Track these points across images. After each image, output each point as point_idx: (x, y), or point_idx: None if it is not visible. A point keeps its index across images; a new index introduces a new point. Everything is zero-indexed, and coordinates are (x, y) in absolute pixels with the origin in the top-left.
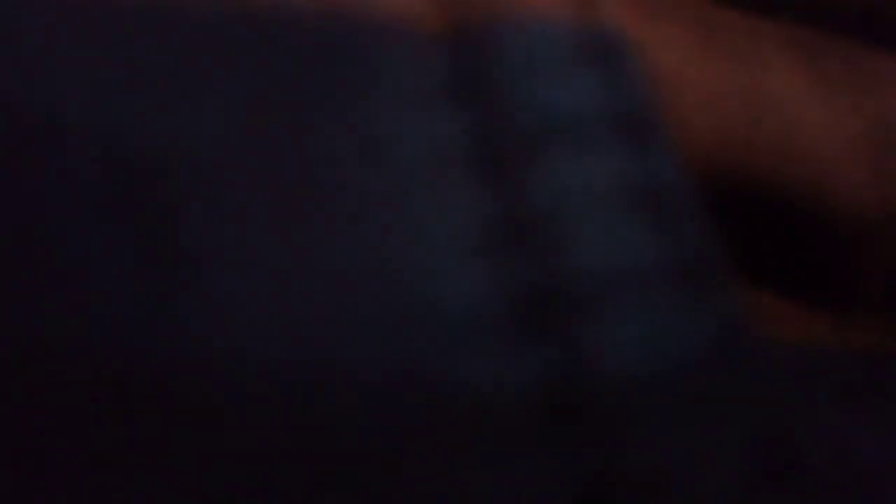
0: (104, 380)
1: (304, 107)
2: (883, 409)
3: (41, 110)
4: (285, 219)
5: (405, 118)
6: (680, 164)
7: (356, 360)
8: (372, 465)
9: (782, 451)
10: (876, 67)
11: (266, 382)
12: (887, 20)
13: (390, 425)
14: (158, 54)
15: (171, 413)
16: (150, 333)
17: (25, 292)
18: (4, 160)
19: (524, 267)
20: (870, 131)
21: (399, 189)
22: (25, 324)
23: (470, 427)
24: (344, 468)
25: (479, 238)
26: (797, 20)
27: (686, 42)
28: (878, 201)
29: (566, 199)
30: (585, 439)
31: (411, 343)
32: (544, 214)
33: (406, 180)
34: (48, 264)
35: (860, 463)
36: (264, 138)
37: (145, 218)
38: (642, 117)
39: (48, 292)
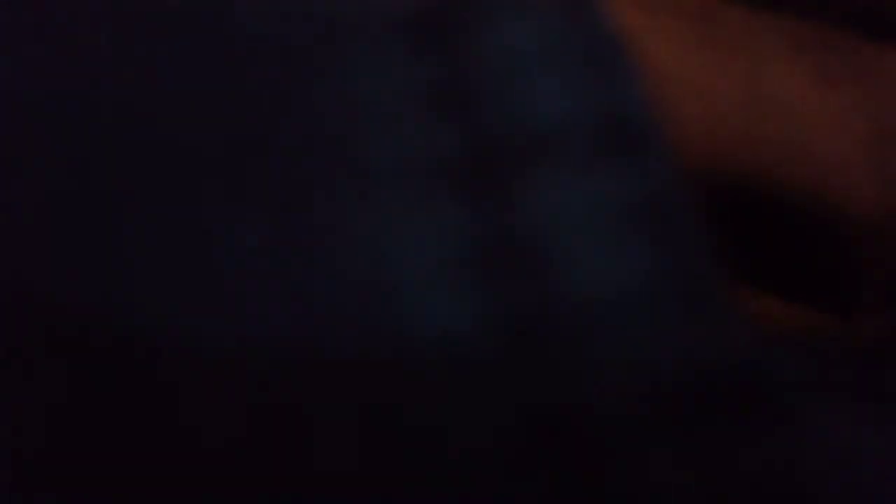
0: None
1: (279, 118)
2: (884, 411)
3: None
4: (264, 229)
5: (383, 129)
6: (676, 173)
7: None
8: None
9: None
10: (878, 63)
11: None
12: (889, 14)
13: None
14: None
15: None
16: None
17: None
18: None
19: (510, 291)
20: (872, 129)
21: (374, 199)
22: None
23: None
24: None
25: (461, 258)
26: (798, 14)
27: (684, 36)
28: (879, 200)
29: (554, 219)
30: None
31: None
32: (531, 235)
33: (382, 191)
34: None
35: (861, 466)
36: (240, 158)
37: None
38: (635, 127)
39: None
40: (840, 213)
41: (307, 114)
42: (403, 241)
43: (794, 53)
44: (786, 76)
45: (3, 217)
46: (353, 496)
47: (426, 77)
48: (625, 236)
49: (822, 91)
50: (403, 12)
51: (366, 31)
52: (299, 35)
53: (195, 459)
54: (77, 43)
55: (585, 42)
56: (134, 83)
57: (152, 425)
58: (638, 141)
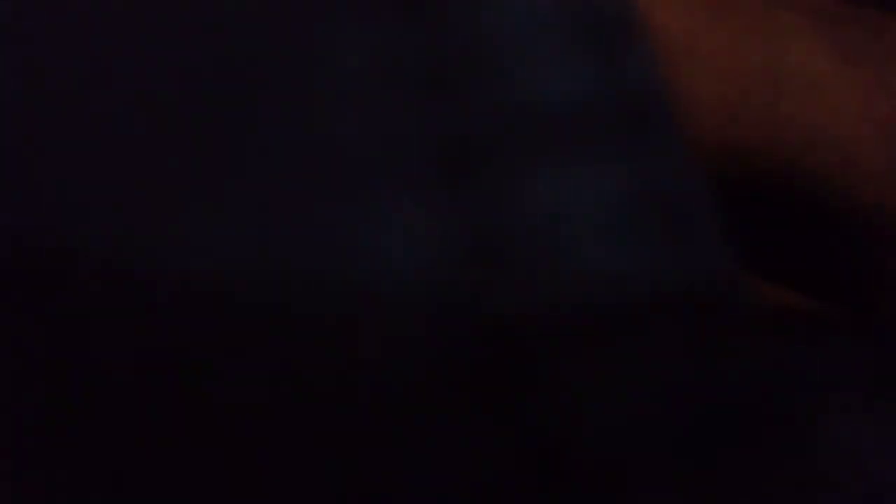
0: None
1: (268, 110)
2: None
3: None
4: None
5: (372, 108)
6: (688, 157)
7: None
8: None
9: None
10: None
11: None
12: None
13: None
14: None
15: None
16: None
17: None
18: None
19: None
20: (893, 110)
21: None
22: None
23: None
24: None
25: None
26: None
27: (701, 12)
28: None
29: (559, 211)
30: None
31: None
32: (527, 226)
33: (371, 179)
34: None
35: (872, 466)
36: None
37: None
38: (646, 105)
39: None
40: (863, 198)
41: (285, 101)
42: (390, 229)
43: (815, 30)
44: (806, 54)
45: None
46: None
47: (412, 53)
48: (633, 227)
49: (843, 70)
50: None
51: (349, 8)
52: (285, 10)
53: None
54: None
55: (590, 18)
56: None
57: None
58: (649, 120)
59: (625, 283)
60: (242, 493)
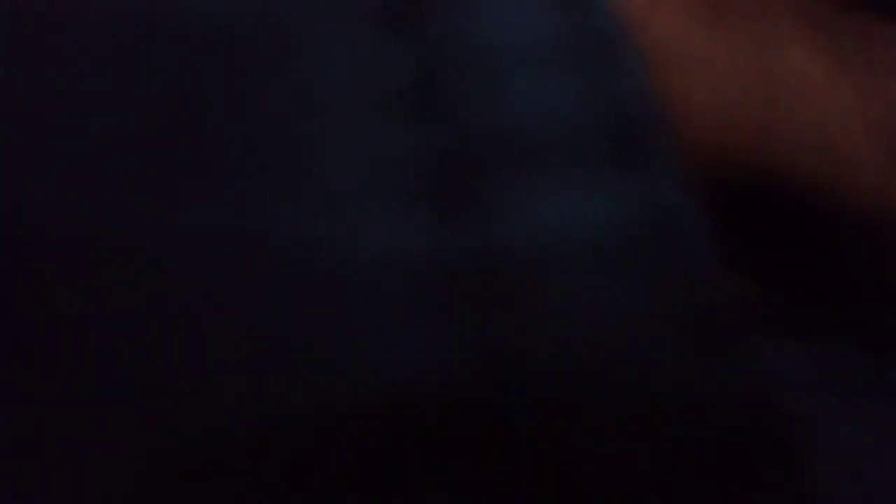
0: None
1: (239, 114)
2: (891, 413)
3: None
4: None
5: (350, 130)
6: (681, 180)
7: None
8: None
9: None
10: (891, 44)
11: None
12: None
13: None
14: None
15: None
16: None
17: None
18: None
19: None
20: (889, 116)
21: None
22: None
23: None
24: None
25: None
26: None
27: (693, 18)
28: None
29: (541, 234)
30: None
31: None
32: (511, 248)
33: (350, 202)
34: None
35: (864, 467)
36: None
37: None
38: (637, 128)
39: None
40: (856, 203)
41: (268, 118)
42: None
43: (808, 35)
44: (799, 60)
45: None
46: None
47: (394, 72)
48: (625, 250)
49: (838, 76)
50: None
51: (334, 21)
52: (258, 30)
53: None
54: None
55: (580, 35)
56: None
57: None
58: (640, 141)
59: (621, 310)
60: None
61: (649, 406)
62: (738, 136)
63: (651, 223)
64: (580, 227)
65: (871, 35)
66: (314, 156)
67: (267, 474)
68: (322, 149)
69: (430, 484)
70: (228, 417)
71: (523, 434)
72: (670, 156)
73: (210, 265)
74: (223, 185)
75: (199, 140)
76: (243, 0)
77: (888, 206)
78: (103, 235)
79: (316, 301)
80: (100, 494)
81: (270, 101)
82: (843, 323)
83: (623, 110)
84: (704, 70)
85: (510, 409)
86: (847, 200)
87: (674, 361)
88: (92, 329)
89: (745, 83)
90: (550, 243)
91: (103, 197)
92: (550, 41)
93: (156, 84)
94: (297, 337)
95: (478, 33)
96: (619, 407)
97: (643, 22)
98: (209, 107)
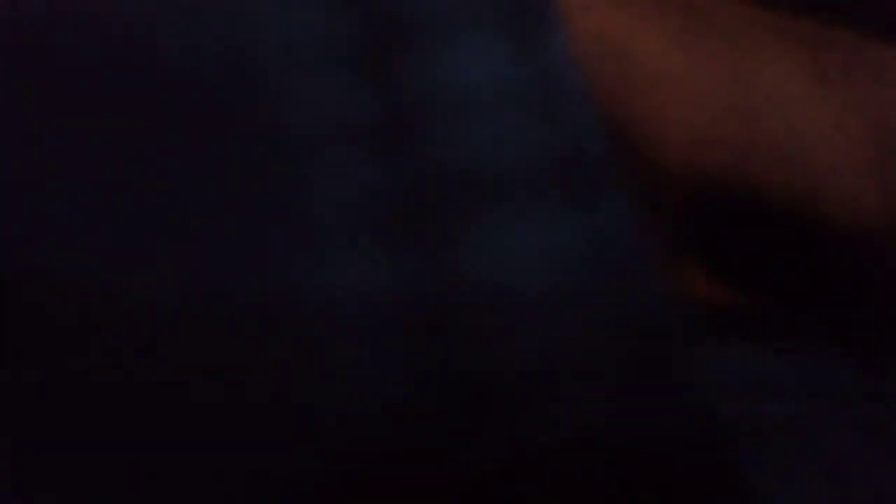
0: None
1: (212, 153)
2: (876, 419)
3: None
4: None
5: (317, 168)
6: (634, 219)
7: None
8: None
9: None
10: (878, 61)
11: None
12: (888, 11)
13: None
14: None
15: None
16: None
17: None
18: None
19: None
20: (872, 132)
21: (313, 246)
22: None
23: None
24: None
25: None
26: (793, 10)
27: (670, 35)
28: (879, 207)
29: (502, 265)
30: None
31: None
32: (478, 291)
33: (320, 235)
34: None
35: (851, 474)
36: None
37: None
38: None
39: None
40: (838, 221)
41: (236, 157)
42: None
43: (789, 52)
44: (780, 76)
45: None
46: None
47: (360, 111)
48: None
49: (818, 91)
50: (337, 40)
51: (302, 61)
52: (227, 70)
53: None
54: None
55: (537, 77)
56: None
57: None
58: (593, 183)
59: (572, 341)
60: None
61: (595, 434)
62: (716, 153)
63: (601, 258)
64: (535, 262)
65: (852, 50)
66: (281, 194)
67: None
68: (289, 187)
69: None
70: (202, 451)
71: (482, 459)
72: (622, 192)
73: (175, 306)
74: (189, 225)
75: (165, 181)
76: (213, 41)
77: (869, 219)
78: (70, 286)
79: (281, 337)
80: None
81: (239, 141)
82: (828, 330)
83: (577, 150)
84: (683, 87)
85: (470, 437)
86: (828, 214)
87: (620, 391)
88: (67, 379)
89: (724, 100)
90: (508, 278)
91: (70, 247)
92: (510, 82)
93: (126, 128)
94: (263, 375)
95: (441, 75)
96: (567, 435)
97: (623, 41)
98: (175, 147)
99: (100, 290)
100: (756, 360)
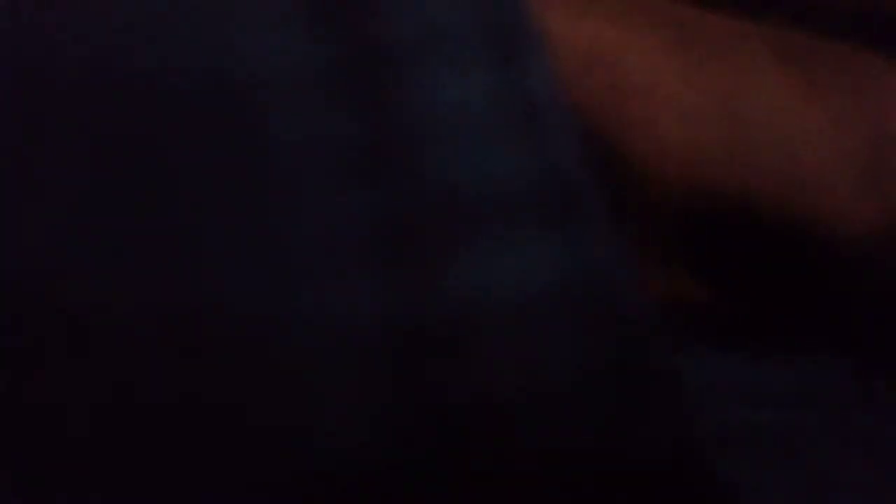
0: None
1: (196, 180)
2: (869, 426)
3: None
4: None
5: (299, 193)
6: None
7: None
8: None
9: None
10: (869, 71)
11: None
12: (881, 20)
13: None
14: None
15: None
16: None
17: None
18: None
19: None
20: (863, 142)
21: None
22: None
23: None
24: None
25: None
26: (784, 22)
27: (662, 49)
28: (872, 219)
29: (486, 295)
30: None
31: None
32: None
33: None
34: None
35: (846, 485)
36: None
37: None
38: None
39: None
40: (831, 234)
41: (222, 184)
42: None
43: (780, 63)
44: (771, 87)
45: None
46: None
47: (343, 137)
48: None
49: (809, 103)
50: (320, 67)
51: (289, 89)
52: (211, 97)
53: None
54: None
55: (520, 102)
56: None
57: None
58: (575, 211)
59: (554, 367)
60: None
61: (576, 461)
62: (708, 164)
63: (581, 284)
64: (517, 288)
65: (843, 61)
66: (267, 221)
67: None
68: (275, 213)
69: None
70: (175, 479)
71: (463, 484)
72: (604, 217)
73: (158, 328)
74: (176, 248)
75: (153, 205)
76: (199, 68)
77: (861, 228)
78: (44, 296)
79: (267, 362)
80: None
81: (225, 168)
82: (821, 338)
83: (560, 175)
84: (675, 99)
85: (452, 462)
86: (820, 223)
87: (600, 419)
88: (35, 384)
89: (715, 112)
90: (489, 305)
91: (49, 260)
92: (492, 108)
93: (111, 149)
94: (247, 402)
95: (424, 101)
96: (548, 458)
97: (615, 54)
98: (164, 173)
99: (88, 304)
100: (748, 368)
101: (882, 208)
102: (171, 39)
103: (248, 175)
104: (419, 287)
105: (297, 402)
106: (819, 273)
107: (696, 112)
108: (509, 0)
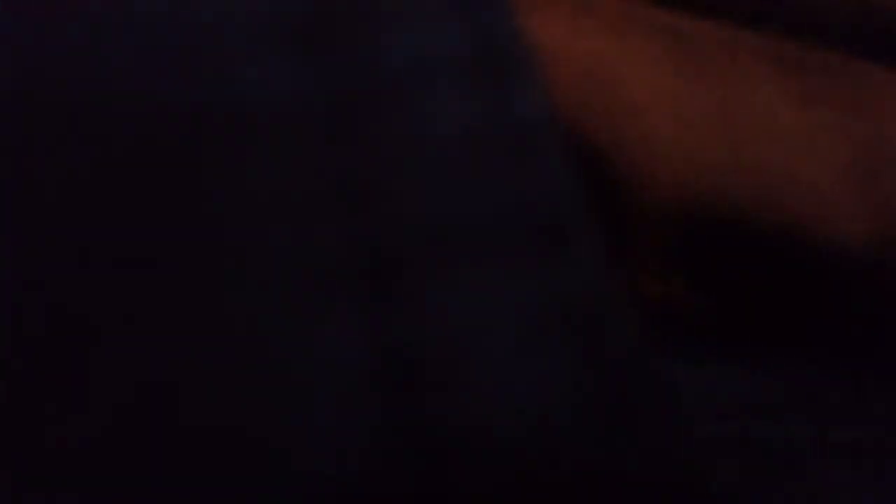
0: None
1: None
2: (863, 439)
3: None
4: None
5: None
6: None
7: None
8: None
9: None
10: (864, 81)
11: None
12: (875, 30)
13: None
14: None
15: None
16: None
17: None
18: None
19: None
20: (858, 155)
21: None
22: None
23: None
24: None
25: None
26: (780, 32)
27: (657, 58)
28: (868, 229)
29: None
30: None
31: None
32: (436, 343)
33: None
34: None
35: (839, 499)
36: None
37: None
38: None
39: None
40: (826, 247)
41: (200, 216)
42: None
43: (776, 73)
44: (766, 98)
45: None
46: None
47: (325, 170)
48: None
49: (805, 113)
50: (302, 97)
51: (271, 129)
52: (195, 131)
53: None
54: None
55: (507, 131)
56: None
57: None
58: (563, 234)
59: (541, 398)
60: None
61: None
62: (703, 178)
63: (569, 313)
64: (503, 318)
65: (839, 73)
66: (243, 257)
67: None
68: (255, 253)
69: None
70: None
71: None
72: (592, 246)
73: (142, 354)
74: (159, 277)
75: (129, 239)
76: (185, 98)
77: (856, 241)
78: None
79: (248, 396)
80: None
81: (202, 200)
82: (816, 350)
83: (546, 204)
84: (670, 112)
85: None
86: (815, 237)
87: (588, 448)
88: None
89: (711, 124)
90: (474, 336)
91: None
92: (478, 136)
93: (93, 174)
94: (230, 431)
95: (407, 129)
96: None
97: (610, 67)
98: (143, 206)
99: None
100: (743, 380)
101: (878, 219)
102: (155, 69)
103: (228, 205)
104: (402, 319)
105: (285, 430)
106: (815, 283)
107: (693, 123)
108: (501, 25)
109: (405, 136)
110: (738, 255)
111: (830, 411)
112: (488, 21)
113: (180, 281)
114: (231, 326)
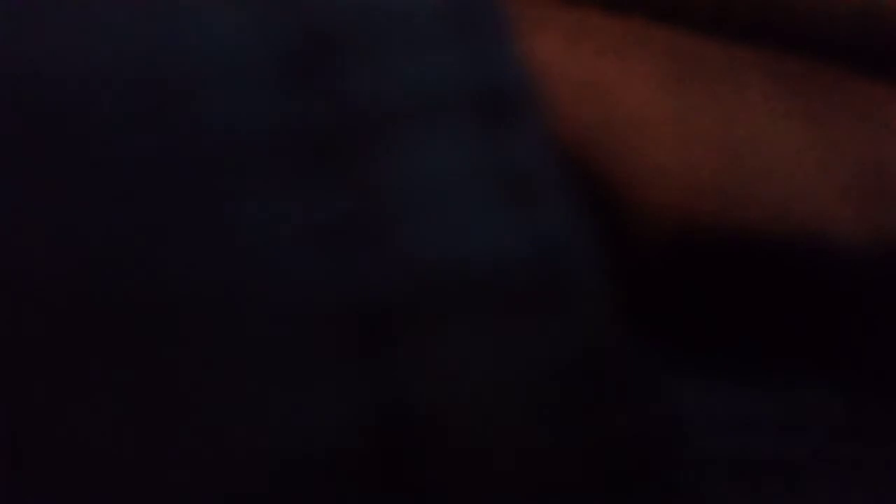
0: None
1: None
2: (861, 456)
3: None
4: None
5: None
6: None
7: None
8: None
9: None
10: (865, 100)
11: None
12: (877, 46)
13: None
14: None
15: None
16: None
17: None
18: None
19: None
20: (860, 172)
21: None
22: None
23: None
24: None
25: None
26: (781, 48)
27: (656, 78)
28: (869, 248)
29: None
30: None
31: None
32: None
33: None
34: None
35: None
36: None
37: None
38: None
39: None
40: (827, 267)
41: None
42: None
43: (777, 90)
44: (767, 116)
45: None
46: None
47: (323, 207)
48: (554, 400)
49: (805, 132)
50: (296, 131)
51: (251, 158)
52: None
53: None
54: None
55: (509, 167)
56: None
57: None
58: (569, 283)
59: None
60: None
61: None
62: (703, 196)
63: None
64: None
65: (840, 89)
66: (228, 303)
67: None
68: (250, 291)
69: None
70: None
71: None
72: (598, 298)
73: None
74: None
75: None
76: (169, 132)
77: (858, 259)
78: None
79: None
80: None
81: (193, 233)
82: (813, 366)
83: (551, 252)
84: (669, 130)
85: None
86: (816, 255)
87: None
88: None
89: (710, 142)
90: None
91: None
92: (479, 171)
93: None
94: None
95: (407, 166)
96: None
97: (608, 85)
98: (120, 256)
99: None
100: (740, 396)
101: (879, 237)
102: (135, 102)
103: (216, 240)
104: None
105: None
106: (814, 299)
107: (693, 141)
108: (503, 55)
109: (401, 173)
110: (738, 272)
111: (829, 426)
112: (490, 52)
113: (157, 332)
114: (219, 387)
